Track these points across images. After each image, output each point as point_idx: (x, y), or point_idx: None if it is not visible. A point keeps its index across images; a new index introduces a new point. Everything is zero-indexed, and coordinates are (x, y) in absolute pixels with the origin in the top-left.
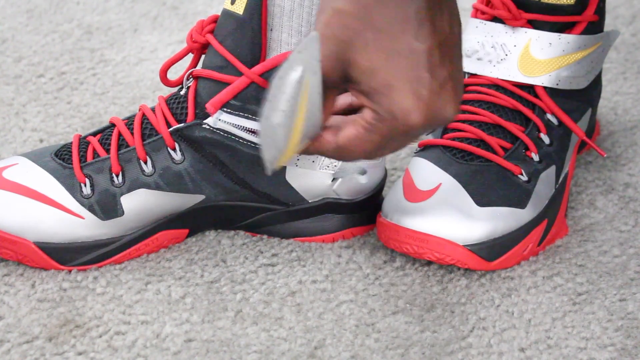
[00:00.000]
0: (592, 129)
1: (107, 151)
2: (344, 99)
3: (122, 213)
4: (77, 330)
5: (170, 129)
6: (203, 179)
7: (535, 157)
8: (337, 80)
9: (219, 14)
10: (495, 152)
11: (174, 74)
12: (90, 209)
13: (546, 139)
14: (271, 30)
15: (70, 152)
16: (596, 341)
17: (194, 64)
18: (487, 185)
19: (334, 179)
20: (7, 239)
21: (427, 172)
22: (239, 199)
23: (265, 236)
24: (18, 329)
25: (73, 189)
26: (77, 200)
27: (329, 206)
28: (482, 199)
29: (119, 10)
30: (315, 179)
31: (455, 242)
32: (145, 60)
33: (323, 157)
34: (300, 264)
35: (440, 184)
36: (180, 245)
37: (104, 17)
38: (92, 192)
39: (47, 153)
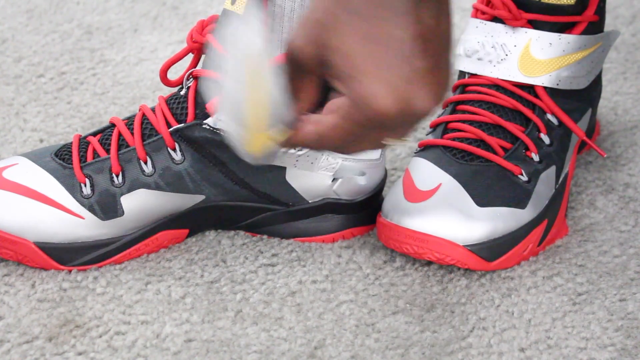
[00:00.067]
0: (592, 129)
1: (107, 151)
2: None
3: (122, 213)
4: (77, 330)
5: (171, 129)
6: (203, 179)
7: (536, 157)
8: (314, 64)
9: (219, 14)
10: (495, 152)
11: (174, 74)
12: (90, 209)
13: (546, 139)
14: (271, 30)
15: (70, 152)
16: (596, 341)
17: (194, 64)
18: (487, 186)
19: (334, 180)
20: (7, 239)
21: (427, 172)
22: (239, 199)
23: (265, 236)
24: (18, 329)
25: (73, 189)
26: (77, 200)
27: (329, 206)
28: (482, 199)
29: (119, 10)
30: (315, 179)
31: (455, 242)
32: (145, 60)
33: (321, 159)
34: (300, 264)
35: (440, 184)
36: (180, 245)
37: (104, 17)
38: (92, 192)
39: (47, 153)
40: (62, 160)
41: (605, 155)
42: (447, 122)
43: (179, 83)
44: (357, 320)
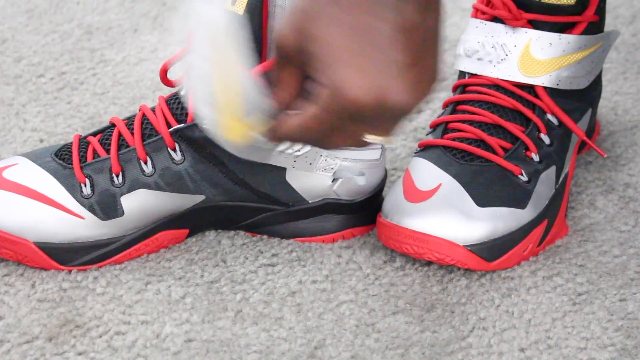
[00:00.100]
0: (592, 129)
1: (107, 151)
2: None
3: (122, 213)
4: (77, 330)
5: (171, 129)
6: (203, 179)
7: (536, 158)
8: (296, 53)
9: None
10: (495, 153)
11: (174, 74)
12: (90, 209)
13: (546, 139)
14: (271, 31)
15: (70, 152)
16: (596, 341)
17: None
18: (487, 186)
19: (334, 180)
20: (7, 239)
21: (427, 172)
22: (239, 199)
23: (265, 236)
24: (18, 329)
25: (73, 189)
26: (77, 201)
27: (329, 206)
28: (482, 199)
29: (119, 10)
30: (315, 179)
31: (456, 243)
32: (145, 60)
33: (320, 160)
34: (300, 264)
35: (440, 184)
36: (180, 245)
37: (104, 17)
38: (92, 192)
39: (47, 153)
40: (62, 160)
41: (605, 155)
42: (447, 122)
43: (179, 83)
44: (357, 320)
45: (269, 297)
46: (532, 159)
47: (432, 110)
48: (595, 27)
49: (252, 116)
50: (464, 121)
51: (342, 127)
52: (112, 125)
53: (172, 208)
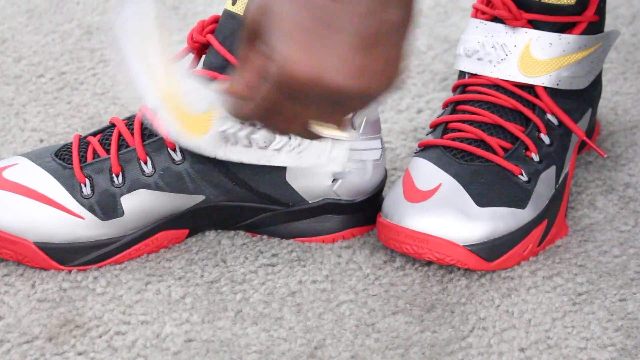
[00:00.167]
0: (592, 129)
1: (107, 151)
2: None
3: (122, 213)
4: (77, 330)
5: None
6: (203, 180)
7: (536, 158)
8: (256, 28)
9: (219, 14)
10: (495, 152)
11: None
12: (90, 209)
13: (546, 139)
14: None
15: (70, 152)
16: (596, 341)
17: (194, 64)
18: (487, 186)
19: (334, 180)
20: (7, 239)
21: (427, 172)
22: (239, 200)
23: (265, 236)
24: (18, 329)
25: (73, 189)
26: (77, 201)
27: (329, 207)
28: (482, 199)
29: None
30: (315, 179)
31: (456, 243)
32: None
33: (326, 155)
34: (300, 264)
35: (440, 184)
36: (180, 245)
37: (104, 17)
38: (92, 193)
39: (47, 153)
40: (62, 160)
41: (605, 155)
42: (447, 122)
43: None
44: (357, 320)
45: (269, 297)
46: (532, 159)
47: (432, 110)
48: (595, 27)
49: (199, 107)
50: (464, 121)
51: (284, 105)
52: (112, 125)
53: (172, 208)
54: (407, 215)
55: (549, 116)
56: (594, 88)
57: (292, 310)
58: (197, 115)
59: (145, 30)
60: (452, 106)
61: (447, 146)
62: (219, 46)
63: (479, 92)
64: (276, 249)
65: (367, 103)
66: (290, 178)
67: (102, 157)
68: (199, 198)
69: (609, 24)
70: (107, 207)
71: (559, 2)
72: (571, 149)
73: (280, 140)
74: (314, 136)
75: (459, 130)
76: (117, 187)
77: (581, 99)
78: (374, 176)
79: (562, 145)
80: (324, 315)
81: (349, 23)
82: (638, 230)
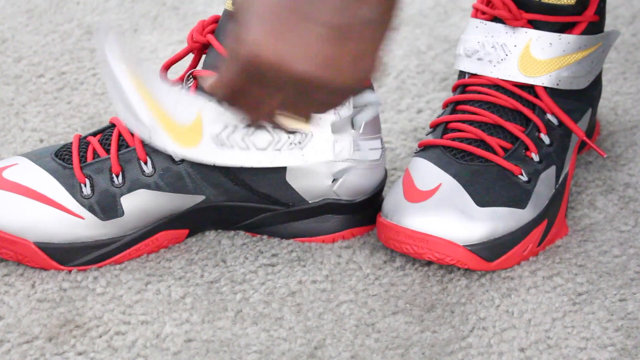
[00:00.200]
0: (592, 129)
1: (107, 151)
2: None
3: (122, 213)
4: (77, 330)
5: None
6: (203, 180)
7: (536, 158)
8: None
9: (219, 14)
10: (495, 152)
11: (174, 74)
12: (90, 209)
13: (546, 139)
14: None
15: (70, 152)
16: (596, 341)
17: (195, 64)
18: (487, 186)
19: (334, 180)
20: (7, 239)
21: (427, 172)
22: (239, 200)
23: (265, 236)
24: (18, 329)
25: (73, 189)
26: (77, 201)
27: (329, 207)
28: (482, 199)
29: (119, 10)
30: (315, 179)
31: (456, 242)
32: (145, 60)
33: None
34: (300, 264)
35: (440, 184)
36: (180, 245)
37: (104, 17)
38: (92, 193)
39: (47, 153)
40: (62, 160)
41: (605, 155)
42: (447, 122)
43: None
44: (357, 320)
45: (269, 297)
46: (532, 159)
47: (432, 110)
48: (595, 27)
49: (187, 116)
50: (464, 121)
51: (249, 88)
52: (112, 125)
53: (172, 208)
54: (407, 215)
55: (549, 116)
56: (594, 88)
57: (292, 310)
58: (187, 125)
59: (126, 56)
60: (452, 106)
61: (447, 146)
62: (219, 46)
63: (479, 92)
64: (276, 249)
65: (334, 97)
66: (290, 178)
67: (102, 157)
68: (199, 198)
69: (609, 24)
70: (107, 207)
71: (559, 2)
72: (571, 149)
73: (279, 140)
74: (280, 125)
75: (459, 130)
76: (117, 187)
77: (581, 99)
78: (374, 176)
79: (562, 145)
80: (324, 315)
81: (323, 14)
82: (638, 230)
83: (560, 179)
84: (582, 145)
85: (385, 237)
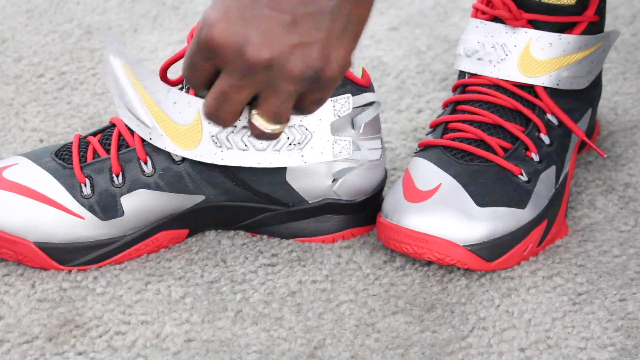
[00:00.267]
0: (592, 129)
1: (107, 151)
2: None
3: (122, 213)
4: (77, 330)
5: None
6: (203, 180)
7: (535, 157)
8: None
9: None
10: (495, 152)
11: (173, 74)
12: (90, 209)
13: (546, 139)
14: None
15: (70, 152)
16: (596, 341)
17: None
18: (487, 186)
19: (334, 180)
20: (7, 239)
21: (427, 172)
22: (239, 200)
23: (265, 236)
24: (18, 329)
25: (73, 189)
26: (77, 201)
27: (329, 207)
28: (482, 199)
29: (119, 10)
30: (315, 179)
31: (455, 242)
32: (145, 60)
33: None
34: (300, 264)
35: (440, 184)
36: (180, 245)
37: (104, 17)
38: (92, 192)
39: (47, 153)
40: (62, 160)
41: (605, 155)
42: (447, 122)
43: (179, 82)
44: (357, 320)
45: (269, 297)
46: (532, 159)
47: (432, 110)
48: (596, 27)
49: (187, 117)
50: (463, 121)
51: (202, 64)
52: (112, 125)
53: (172, 208)
54: (407, 215)
55: (549, 116)
56: (594, 88)
57: (292, 310)
58: (187, 125)
59: (127, 62)
60: (452, 106)
61: (447, 146)
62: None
63: (479, 92)
64: (276, 249)
65: (307, 92)
66: (290, 178)
67: (102, 157)
68: (199, 198)
69: (609, 24)
70: (107, 207)
71: (559, 2)
72: (571, 149)
73: (278, 140)
74: (256, 127)
75: (459, 130)
76: (117, 187)
77: (581, 99)
78: (374, 176)
79: (562, 145)
80: (324, 315)
81: (288, 3)
82: (638, 230)
83: (560, 179)
84: (582, 145)
85: (385, 237)
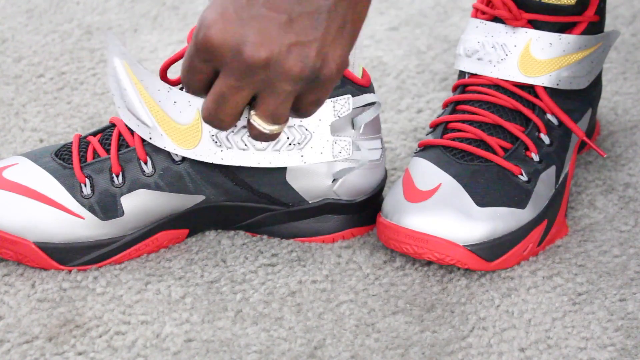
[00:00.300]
0: (592, 129)
1: (107, 151)
2: None
3: (122, 213)
4: (77, 330)
5: None
6: (203, 180)
7: (535, 157)
8: None
9: None
10: (495, 152)
11: (173, 74)
12: (90, 209)
13: (546, 139)
14: None
15: (70, 152)
16: (596, 341)
17: None
18: (487, 186)
19: (334, 180)
20: (7, 239)
21: (427, 172)
22: (239, 200)
23: (265, 236)
24: (18, 329)
25: (73, 189)
26: (77, 201)
27: (329, 207)
28: (482, 199)
29: (119, 10)
30: (315, 179)
31: (455, 242)
32: (145, 60)
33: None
34: (300, 264)
35: (440, 184)
36: (180, 245)
37: (104, 17)
38: (92, 192)
39: (47, 153)
40: (62, 160)
41: (605, 155)
42: (447, 122)
43: (179, 82)
44: (357, 320)
45: (269, 297)
46: (532, 158)
47: (432, 110)
48: (596, 27)
49: (186, 117)
50: (463, 121)
51: (200, 66)
52: (112, 125)
53: (172, 208)
54: (407, 215)
55: (549, 116)
56: (594, 88)
57: (292, 310)
58: (186, 125)
59: (128, 62)
60: (452, 106)
61: (447, 146)
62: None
63: (479, 92)
64: (276, 249)
65: (304, 92)
66: (290, 178)
67: (102, 157)
68: (199, 198)
69: (609, 24)
70: (107, 207)
71: (559, 2)
72: (571, 149)
73: (278, 140)
74: (254, 128)
75: (459, 130)
76: (117, 187)
77: (581, 99)
78: (374, 176)
79: (562, 145)
80: (324, 315)
81: (284, 3)
82: (638, 230)
83: (560, 179)
84: (582, 145)
85: (385, 237)
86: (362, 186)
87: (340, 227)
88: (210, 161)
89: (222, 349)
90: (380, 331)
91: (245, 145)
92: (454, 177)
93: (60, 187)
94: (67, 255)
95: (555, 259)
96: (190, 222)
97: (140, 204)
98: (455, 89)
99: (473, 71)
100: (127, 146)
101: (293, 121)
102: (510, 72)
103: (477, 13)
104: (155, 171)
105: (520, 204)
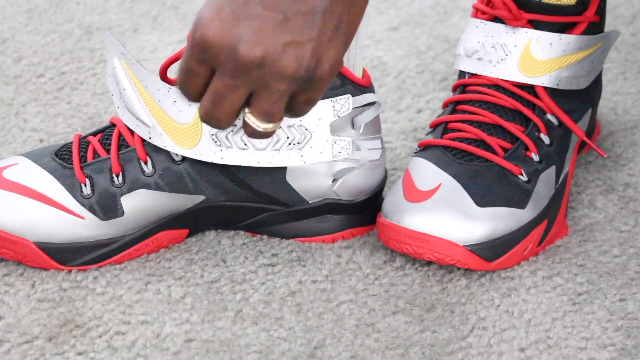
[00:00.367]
0: (592, 129)
1: (108, 151)
2: None
3: (122, 213)
4: (77, 330)
5: None
6: (203, 180)
7: (535, 157)
8: None
9: None
10: (495, 153)
11: (173, 74)
12: (90, 209)
13: (546, 139)
14: None
15: (71, 152)
16: (596, 341)
17: None
18: (487, 186)
19: (334, 180)
20: (7, 239)
21: (427, 172)
22: (239, 200)
23: (265, 236)
24: (18, 329)
25: (73, 189)
26: (77, 201)
27: (329, 207)
28: (482, 199)
29: (119, 10)
30: (315, 179)
31: (455, 242)
32: (145, 60)
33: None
34: (300, 264)
35: (440, 184)
36: (180, 245)
37: (104, 17)
38: (92, 192)
39: (47, 153)
40: (62, 160)
41: (605, 155)
42: (447, 122)
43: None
44: (357, 320)
45: (269, 297)
46: (532, 159)
47: (432, 110)
48: (596, 27)
49: (186, 117)
50: (463, 121)
51: (196, 67)
52: (112, 125)
53: (172, 208)
54: (407, 215)
55: (549, 116)
56: (594, 88)
57: (292, 310)
58: (186, 124)
59: (127, 62)
60: (452, 106)
61: (447, 146)
62: None
63: (479, 92)
64: (276, 249)
65: (300, 92)
66: (290, 178)
67: (102, 157)
68: (199, 198)
69: (609, 24)
70: (107, 207)
71: (559, 2)
72: (571, 149)
73: (278, 140)
74: (250, 127)
75: (459, 130)
76: (117, 187)
77: (581, 99)
78: (374, 176)
79: (562, 145)
80: (324, 315)
81: (281, 2)
82: (638, 230)
83: (560, 179)
84: (582, 145)
85: (385, 237)
86: (362, 186)
87: (340, 227)
88: (210, 160)
89: (222, 349)
90: (380, 331)
91: (245, 144)
92: (454, 177)
93: (60, 187)
94: (67, 255)
95: (555, 259)
96: (190, 222)
97: (140, 204)
98: (455, 89)
99: (473, 71)
100: (127, 146)
101: (293, 121)
102: (510, 72)
103: (477, 13)
104: (155, 171)
105: (520, 204)
